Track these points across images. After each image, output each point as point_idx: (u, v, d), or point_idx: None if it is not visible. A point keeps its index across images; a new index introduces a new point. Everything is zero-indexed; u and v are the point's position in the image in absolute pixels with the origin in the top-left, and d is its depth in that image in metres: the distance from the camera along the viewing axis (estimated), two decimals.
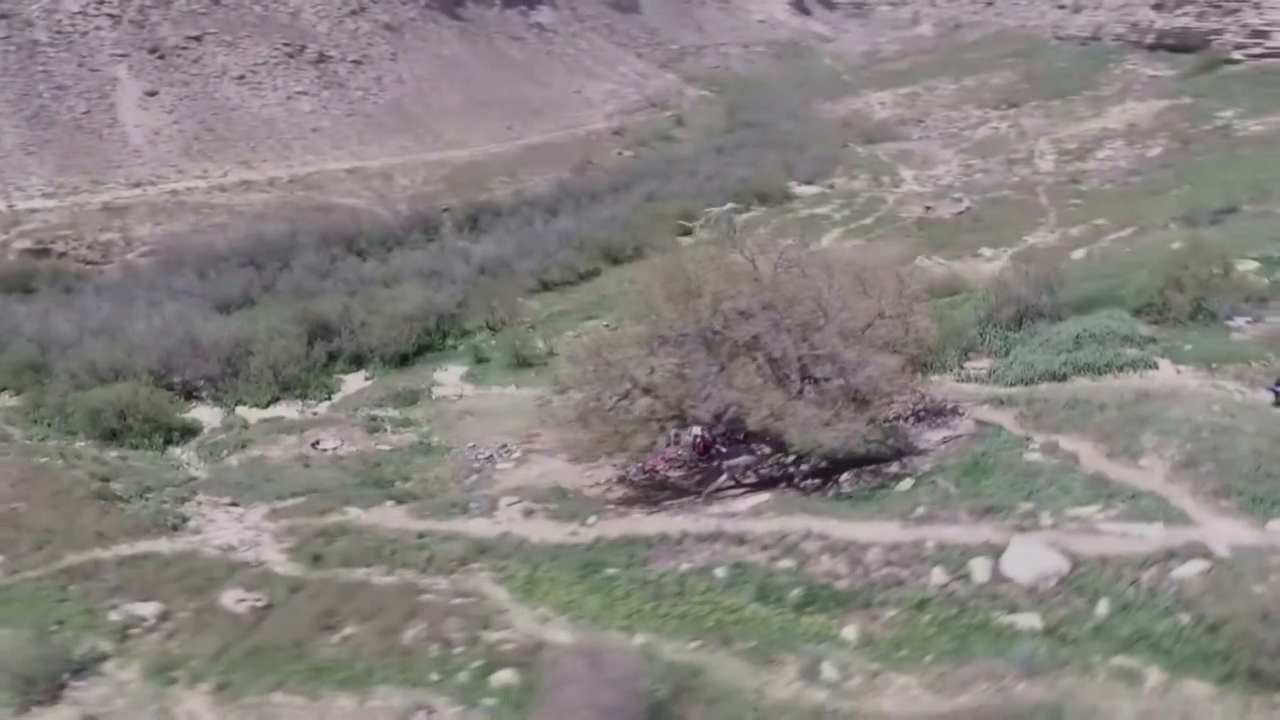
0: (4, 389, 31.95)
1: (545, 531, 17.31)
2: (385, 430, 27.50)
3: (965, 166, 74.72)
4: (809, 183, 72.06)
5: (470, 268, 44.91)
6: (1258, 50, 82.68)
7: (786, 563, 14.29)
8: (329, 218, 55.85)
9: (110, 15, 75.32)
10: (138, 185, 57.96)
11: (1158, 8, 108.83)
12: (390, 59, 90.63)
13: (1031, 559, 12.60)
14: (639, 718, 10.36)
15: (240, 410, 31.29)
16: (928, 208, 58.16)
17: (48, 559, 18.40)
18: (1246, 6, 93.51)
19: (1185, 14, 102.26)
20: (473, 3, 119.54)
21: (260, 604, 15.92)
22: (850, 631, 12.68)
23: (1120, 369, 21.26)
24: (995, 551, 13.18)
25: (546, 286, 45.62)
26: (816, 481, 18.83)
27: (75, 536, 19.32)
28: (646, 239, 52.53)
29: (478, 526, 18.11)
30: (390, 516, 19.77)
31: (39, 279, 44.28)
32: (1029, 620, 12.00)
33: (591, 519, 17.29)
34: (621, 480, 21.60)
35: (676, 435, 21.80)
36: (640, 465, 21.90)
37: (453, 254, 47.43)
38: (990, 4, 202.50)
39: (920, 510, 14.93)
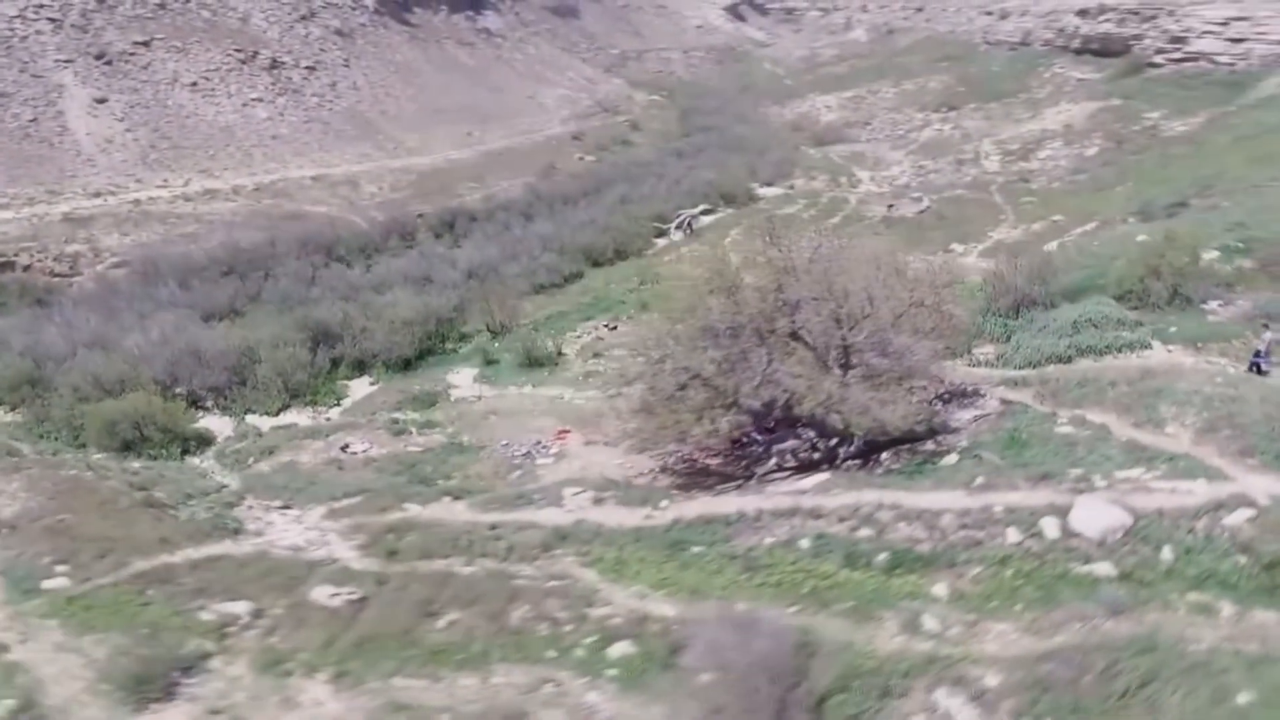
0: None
1: (619, 517, 18.12)
2: (410, 432, 27.87)
3: (918, 167, 77.73)
4: (770, 184, 74.18)
5: (458, 272, 45.25)
6: (1177, 55, 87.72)
7: (866, 531, 15.42)
8: (302, 226, 55.37)
9: (51, 20, 73.15)
10: (97, 195, 56.57)
11: (1082, 14, 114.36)
12: (344, 65, 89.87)
13: (1097, 515, 13.97)
14: (788, 670, 11.29)
15: (250, 419, 31.22)
16: (890, 206, 60.55)
17: (115, 566, 18.44)
18: (1162, 14, 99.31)
19: (1107, 20, 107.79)
20: (419, 8, 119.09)
21: (354, 597, 16.36)
22: (940, 588, 13.87)
23: (1119, 350, 23.10)
24: (1061, 511, 14.53)
25: (535, 289, 46.18)
26: (858, 461, 20.05)
27: (137, 543, 19.35)
28: (625, 241, 53.78)
29: (548, 516, 18.82)
30: (451, 511, 20.32)
31: (6, 293, 43.03)
32: (1104, 568, 13.36)
33: (664, 502, 18.17)
34: (664, 470, 22.54)
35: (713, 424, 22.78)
36: (679, 454, 22.89)
37: (438, 259, 47.68)
38: (920, 10, 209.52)
39: (980, 480, 16.24)
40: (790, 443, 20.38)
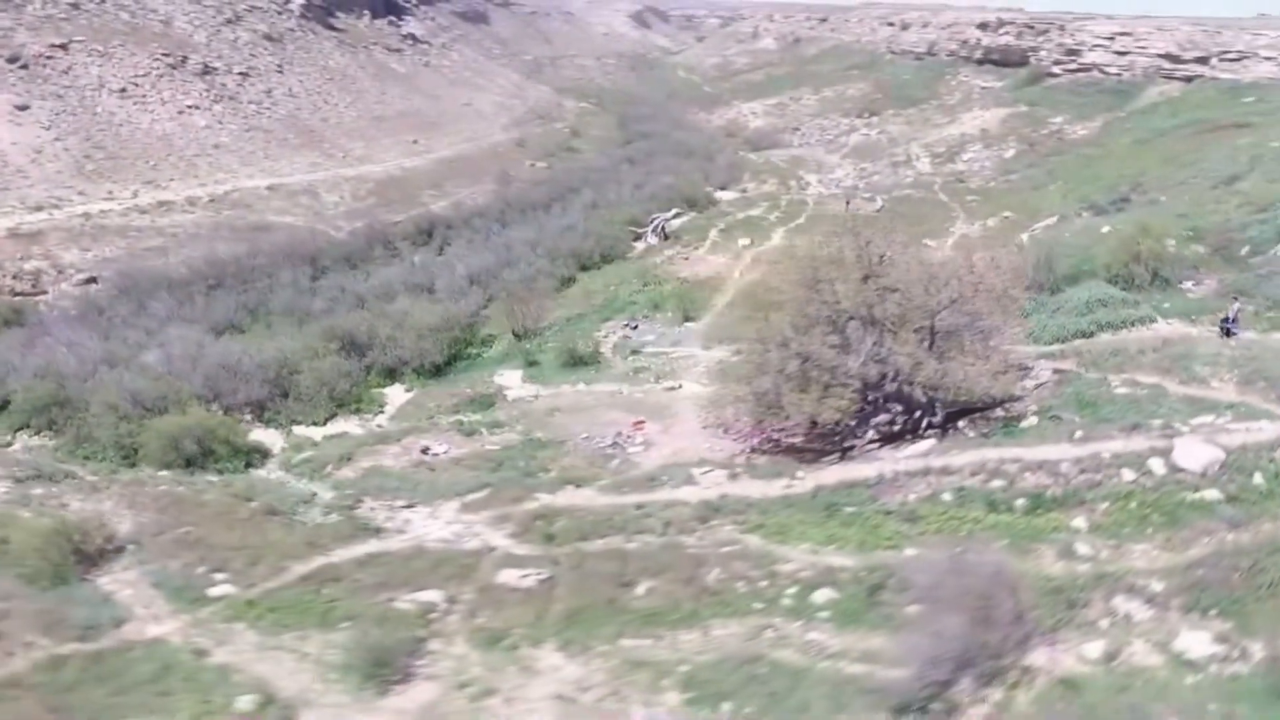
0: (20, 429, 30.30)
1: (759, 489, 19.89)
2: (481, 432, 28.72)
3: (860, 169, 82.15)
4: (724, 188, 76.93)
5: (461, 279, 45.78)
6: (1073, 66, 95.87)
7: (998, 482, 17.72)
8: (276, 237, 54.49)
9: None
10: (39, 209, 54.07)
11: (983, 27, 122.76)
12: (277, 71, 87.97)
13: (1196, 452, 16.69)
14: (995, 593, 13.29)
15: (297, 430, 31.31)
16: (848, 204, 64.05)
17: (273, 571, 18.98)
18: (1054, 29, 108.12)
19: (1006, 34, 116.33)
20: (343, 13, 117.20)
21: (542, 577, 17.53)
22: (1080, 522, 16.27)
23: (1131, 325, 26.37)
24: (1163, 452, 17.17)
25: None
26: (938, 430, 22.40)
27: (284, 549, 19.88)
28: (609, 246, 55.32)
29: (688, 493, 20.39)
30: (582, 497, 21.62)
31: None
32: (1212, 494, 16.01)
33: (800, 473, 20.04)
34: (754, 450, 24.35)
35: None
36: (762, 436, 24.78)
37: (436, 267, 48.05)
38: (824, 20, 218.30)
39: (1079, 434, 18.81)
40: (882, 416, 22.54)
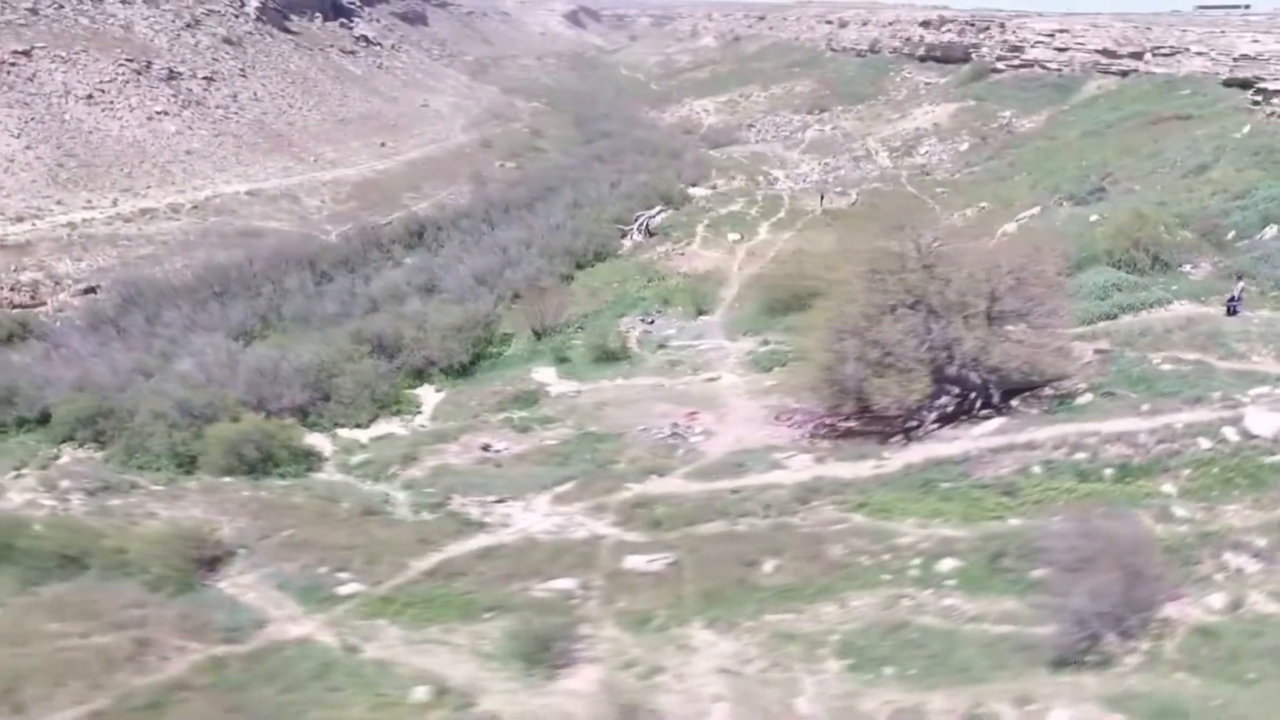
0: (64, 441, 29.82)
1: (848, 470, 21.14)
2: (534, 429, 29.37)
3: (823, 165, 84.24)
4: (694, 185, 78.12)
5: (465, 279, 46.05)
6: (1016, 62, 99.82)
7: (1081, 455, 19.29)
8: (270, 242, 53.79)
9: None
10: (21, 219, 52.43)
11: (925, 25, 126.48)
12: (240, 75, 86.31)
13: (1266, 420, 18.50)
14: (1149, 558, 14.74)
15: (342, 432, 31.47)
16: (822, 199, 65.91)
17: (395, 568, 19.52)
18: (994, 26, 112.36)
19: (948, 31, 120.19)
20: (295, 16, 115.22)
21: (669, 561, 18.46)
22: (1169, 487, 17.92)
23: (1150, 306, 28.39)
24: (1233, 421, 18.95)
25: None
26: (992, 409, 23.96)
27: (396, 547, 20.40)
28: (600, 243, 56.12)
29: (779, 477, 21.53)
30: (670, 485, 22.60)
31: None
32: None
33: (886, 453, 21.35)
34: (814, 435, 25.61)
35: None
36: (819, 422, 26.05)
37: (439, 268, 48.16)
38: (762, 18, 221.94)
39: (1146, 407, 20.52)
40: (944, 399, 24.01)
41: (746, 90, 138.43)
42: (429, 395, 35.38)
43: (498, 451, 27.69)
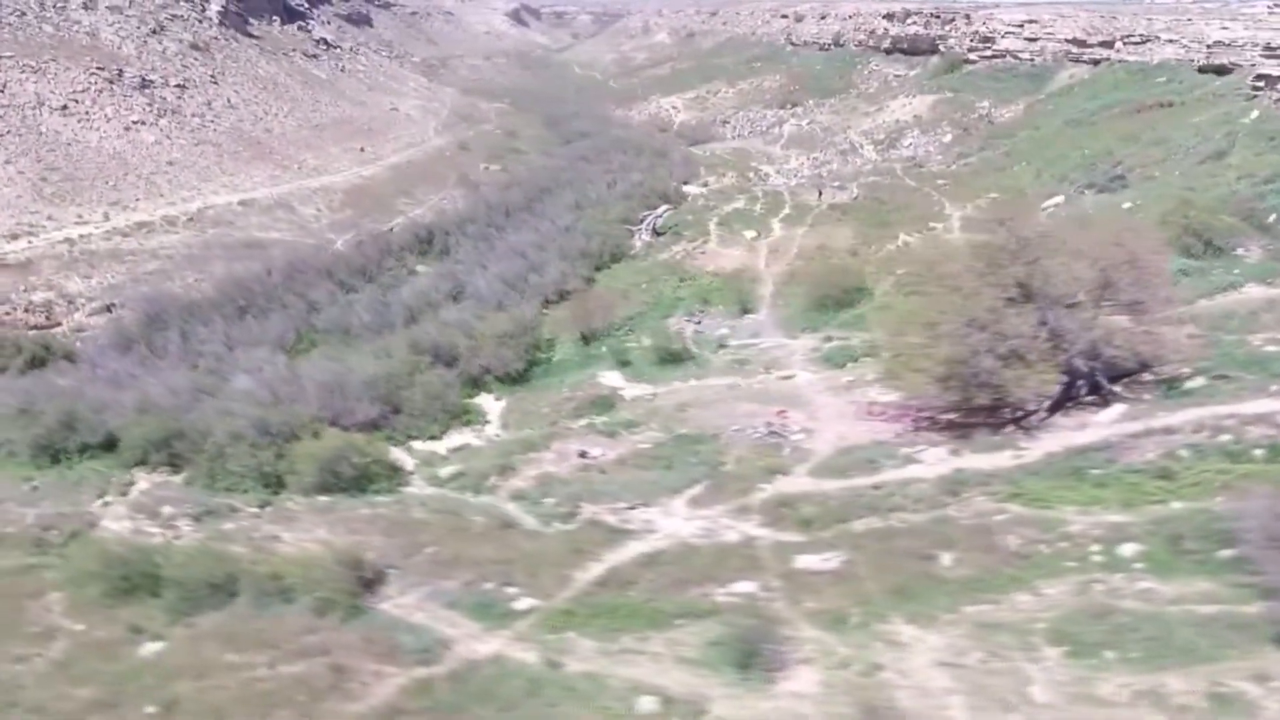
0: (135, 465, 28.72)
1: (988, 462, 21.55)
2: (621, 433, 29.26)
3: (811, 160, 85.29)
4: (686, 183, 78.50)
5: (495, 285, 45.59)
6: (988, 53, 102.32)
7: (1225, 437, 20.02)
8: (273, 254, 52.48)
9: None
10: (16, 237, 50.37)
11: (889, 18, 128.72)
12: (212, 82, 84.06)
13: None
14: None
15: (416, 445, 30.95)
16: (820, 195, 66.75)
17: (559, 580, 19.36)
18: (959, 18, 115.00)
19: (914, 23, 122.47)
20: (254, 19, 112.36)
21: (841, 558, 18.64)
22: None
23: (1222, 290, 29.46)
24: None
25: (561, 297, 47.45)
26: (1095, 396, 24.67)
27: (552, 558, 20.18)
28: (614, 245, 56.08)
29: (917, 471, 21.87)
30: (802, 484, 22.80)
31: (4, 351, 38.18)
32: None
33: (1023, 444, 21.84)
34: (918, 429, 26.02)
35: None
36: (918, 414, 26.49)
37: (461, 274, 47.61)
38: (715, 14, 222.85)
39: (1275, 388, 21.37)
40: (1054, 389, 24.61)
41: (713, 86, 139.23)
42: (490, 404, 35.00)
43: (595, 458, 27.50)
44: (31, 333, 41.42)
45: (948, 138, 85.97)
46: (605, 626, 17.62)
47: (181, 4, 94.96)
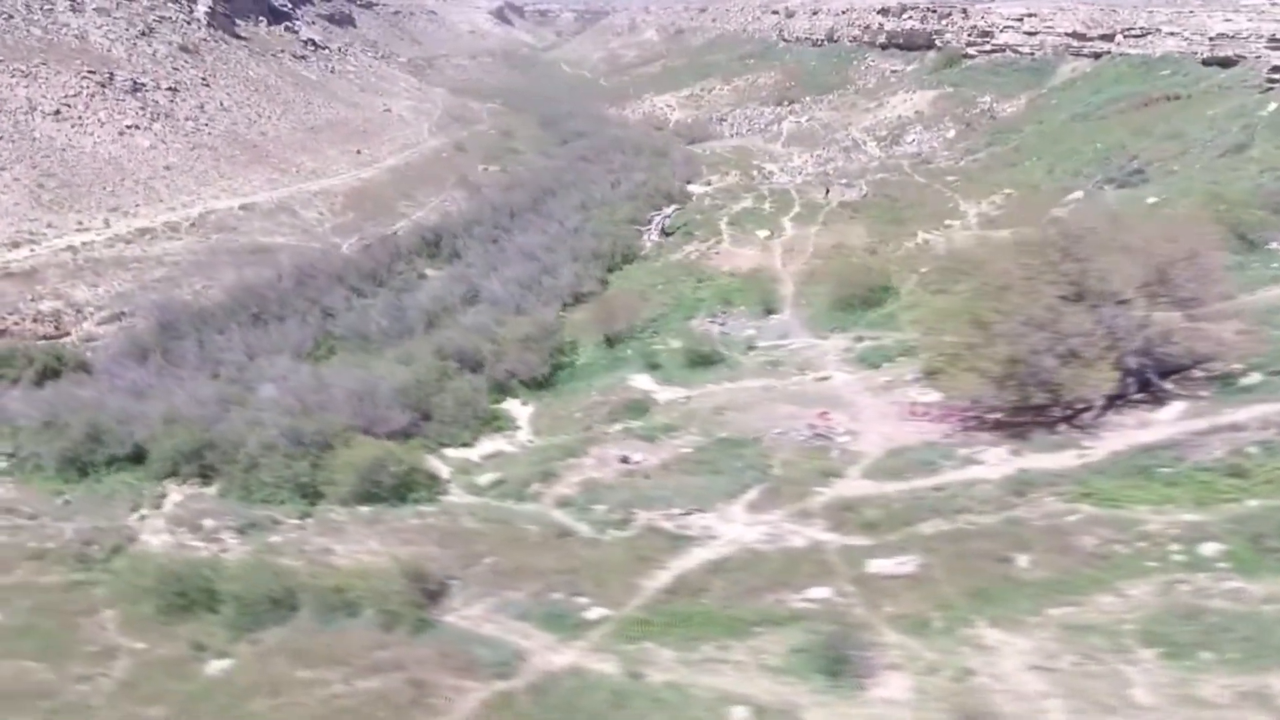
0: (166, 477, 28.10)
1: (1053, 461, 21.34)
2: (659, 437, 28.90)
3: (815, 157, 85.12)
4: (690, 182, 78.14)
5: (511, 288, 45.13)
6: (988, 47, 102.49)
7: None
8: (277, 259, 51.79)
9: None
10: (17, 245, 49.40)
11: (883, 13, 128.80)
12: (203, 84, 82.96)
13: None
14: None
15: (449, 453, 30.48)
16: (827, 193, 66.53)
17: (627, 588, 19.02)
18: (955, 12, 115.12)
19: (910, 18, 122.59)
20: (241, 20, 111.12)
21: (916, 562, 18.39)
22: None
23: (1266, 284, 29.39)
24: None
25: (576, 299, 47.03)
26: (1144, 393, 24.55)
27: (614, 566, 19.86)
28: (625, 245, 55.70)
29: (979, 472, 21.66)
30: (861, 487, 22.53)
31: (11, 364, 37.35)
32: None
33: (1086, 444, 21.67)
34: (966, 429, 25.84)
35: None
36: (964, 415, 26.31)
37: (477, 277, 47.09)
38: (704, 10, 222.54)
39: None
40: (1113, 387, 24.41)
41: (707, 84, 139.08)
42: (518, 409, 34.55)
43: (637, 464, 27.13)
44: (41, 342, 40.59)
45: (951, 133, 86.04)
46: (683, 635, 17.29)
47: (169, 5, 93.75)
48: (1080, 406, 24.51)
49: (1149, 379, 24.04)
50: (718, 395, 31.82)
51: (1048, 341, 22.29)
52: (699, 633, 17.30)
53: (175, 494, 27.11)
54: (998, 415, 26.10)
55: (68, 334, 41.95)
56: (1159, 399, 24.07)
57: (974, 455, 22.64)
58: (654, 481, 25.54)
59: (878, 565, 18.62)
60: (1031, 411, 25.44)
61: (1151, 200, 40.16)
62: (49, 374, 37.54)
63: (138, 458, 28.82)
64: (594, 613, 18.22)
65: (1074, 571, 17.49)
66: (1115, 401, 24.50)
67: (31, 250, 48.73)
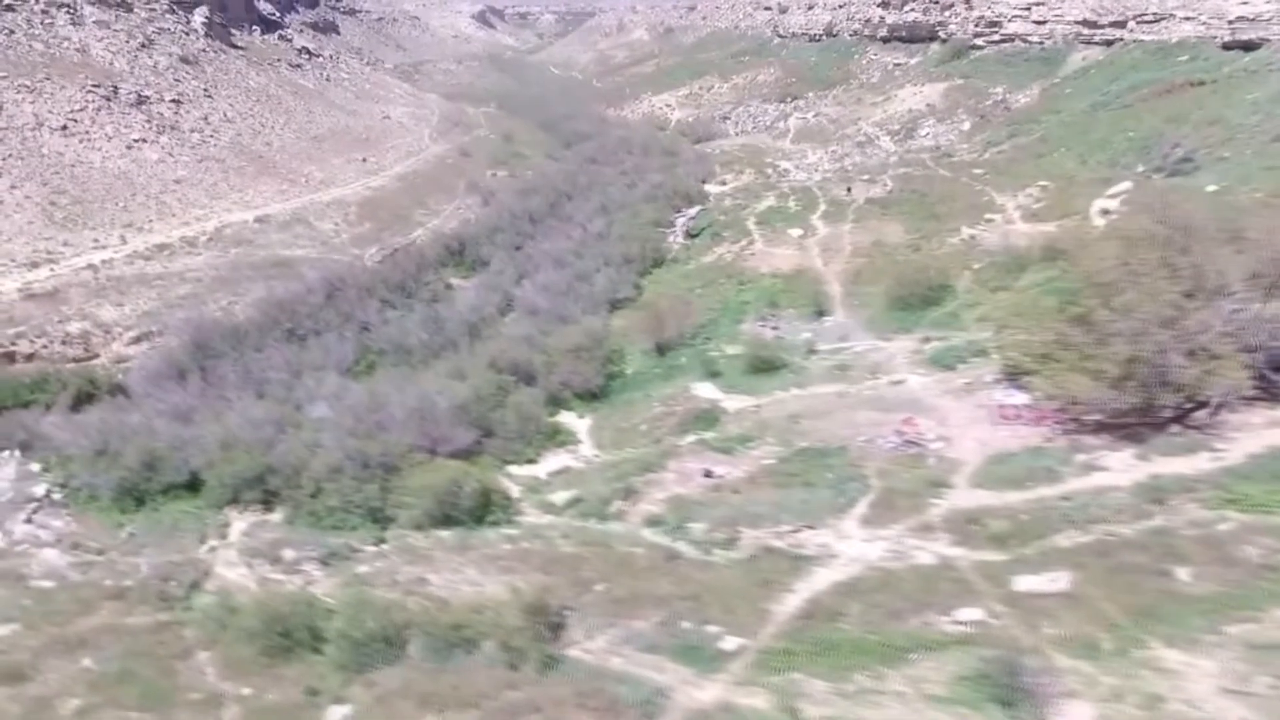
0: (226, 505, 26.83)
1: (1186, 465, 20.49)
2: (737, 449, 27.87)
3: (830, 153, 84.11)
4: (705, 182, 77.05)
5: (544, 295, 44.02)
6: (996, 37, 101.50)
7: None
8: (300, 272, 50.39)
9: None
10: (35, 265, 47.76)
11: (884, 5, 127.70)
12: (206, 96, 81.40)
13: None
14: None
15: (514, 470, 29.34)
16: (848, 190, 65.44)
17: (757, 615, 18.01)
18: (958, 3, 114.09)
19: (912, 10, 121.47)
20: (235, 30, 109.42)
21: (1066, 577, 17.40)
22: None
23: None
24: None
25: (614, 305, 45.91)
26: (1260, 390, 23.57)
27: (738, 592, 18.77)
28: (654, 248, 54.64)
29: (1105, 479, 20.72)
30: (977, 498, 21.60)
31: (45, 389, 35.92)
32: None
33: (1219, 445, 20.76)
34: (1066, 433, 24.86)
35: None
36: (1067, 417, 25.28)
37: (507, 285, 46.00)
38: (693, 8, 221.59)
39: None
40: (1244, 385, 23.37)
41: (705, 82, 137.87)
42: (575, 422, 33.42)
43: (721, 477, 26.08)
44: (71, 365, 39.09)
45: (966, 125, 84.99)
46: (832, 664, 16.28)
47: (166, 16, 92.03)
48: (1190, 405, 23.64)
49: (1264, 374, 23.17)
50: (789, 403, 30.77)
51: (1175, 339, 21.34)
52: (849, 661, 16.30)
53: (239, 522, 25.90)
54: (1098, 417, 25.17)
55: (97, 355, 40.44)
56: (1275, 395, 23.24)
57: (1094, 461, 21.72)
58: (745, 496, 24.51)
59: (1026, 583, 17.66)
60: (1136, 412, 24.52)
61: (1212, 188, 39.30)
62: (83, 398, 36.21)
63: (193, 485, 27.56)
64: (729, 642, 17.19)
65: (1244, 585, 16.61)
66: (1227, 399, 23.61)
67: (52, 270, 47.16)
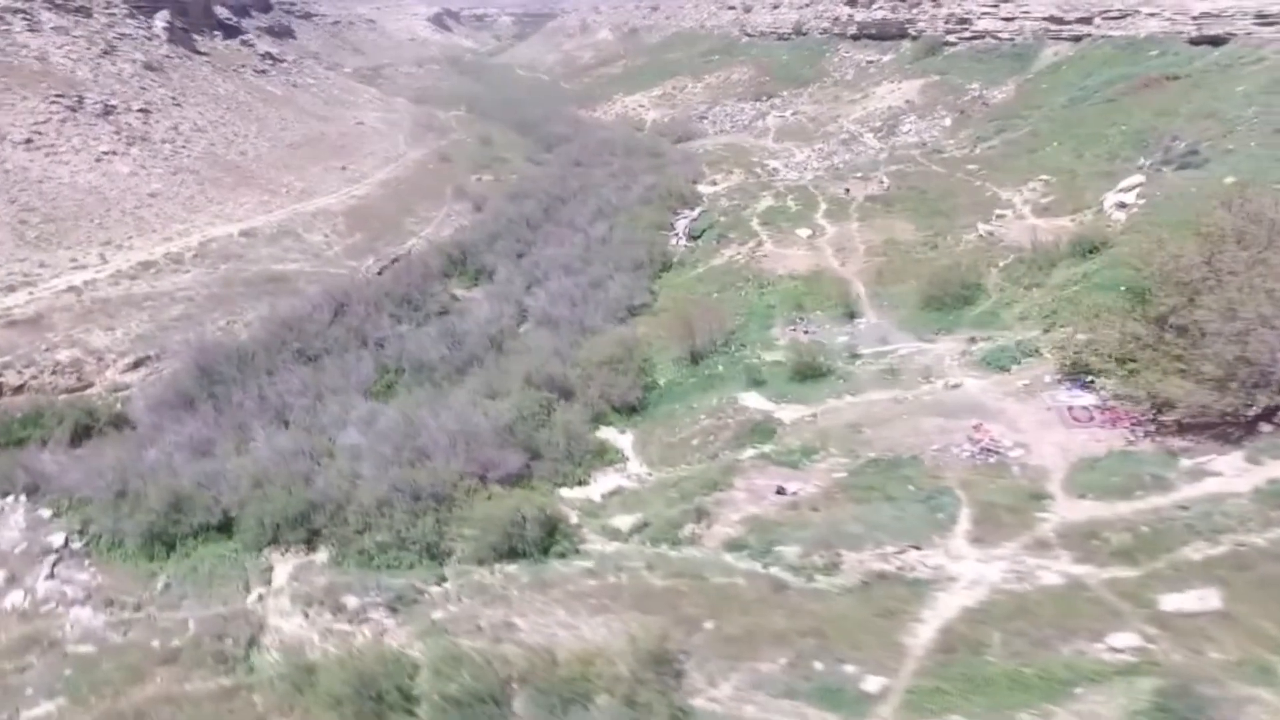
0: (266, 546, 24.94)
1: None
2: (803, 463, 26.72)
3: (817, 151, 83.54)
4: (695, 182, 75.93)
5: (558, 305, 42.57)
6: (967, 34, 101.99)
7: None
8: (298, 287, 48.32)
9: None
10: (12, 288, 44.94)
11: (851, 3, 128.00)
12: (174, 104, 78.24)
13: None
14: None
15: (564, 493, 27.86)
16: (847, 190, 64.79)
17: (891, 650, 16.83)
18: (926, 1, 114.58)
19: (880, 8, 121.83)
20: (196, 35, 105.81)
21: (1216, 595, 16.50)
22: None
23: None
24: None
25: (631, 312, 44.58)
26: None
27: (859, 624, 17.55)
28: (660, 252, 53.41)
29: (1218, 485, 19.93)
30: (1084, 508, 20.68)
31: (40, 424, 33.56)
32: None
33: None
34: (1147, 436, 24.13)
35: None
36: (1147, 419, 24.54)
37: (518, 295, 44.45)
38: (656, 8, 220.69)
39: None
40: None
41: (678, 82, 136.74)
42: (617, 438, 32.04)
43: (795, 494, 24.89)
44: (64, 396, 36.63)
45: (947, 121, 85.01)
46: (991, 703, 15.17)
47: (127, 22, 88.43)
48: (1273, 406, 23.01)
49: None
50: (845, 411, 29.70)
51: (1278, 339, 20.65)
52: (1009, 698, 15.20)
53: (282, 565, 24.07)
54: (1177, 419, 24.43)
55: (91, 384, 37.93)
56: None
57: (1203, 466, 20.90)
58: (827, 514, 23.33)
59: (1174, 602, 16.70)
60: (1219, 412, 23.82)
61: (1229, 180, 39.13)
62: (82, 432, 33.89)
63: (225, 525, 25.61)
64: (871, 683, 15.98)
65: None
66: None
67: (30, 293, 44.35)
